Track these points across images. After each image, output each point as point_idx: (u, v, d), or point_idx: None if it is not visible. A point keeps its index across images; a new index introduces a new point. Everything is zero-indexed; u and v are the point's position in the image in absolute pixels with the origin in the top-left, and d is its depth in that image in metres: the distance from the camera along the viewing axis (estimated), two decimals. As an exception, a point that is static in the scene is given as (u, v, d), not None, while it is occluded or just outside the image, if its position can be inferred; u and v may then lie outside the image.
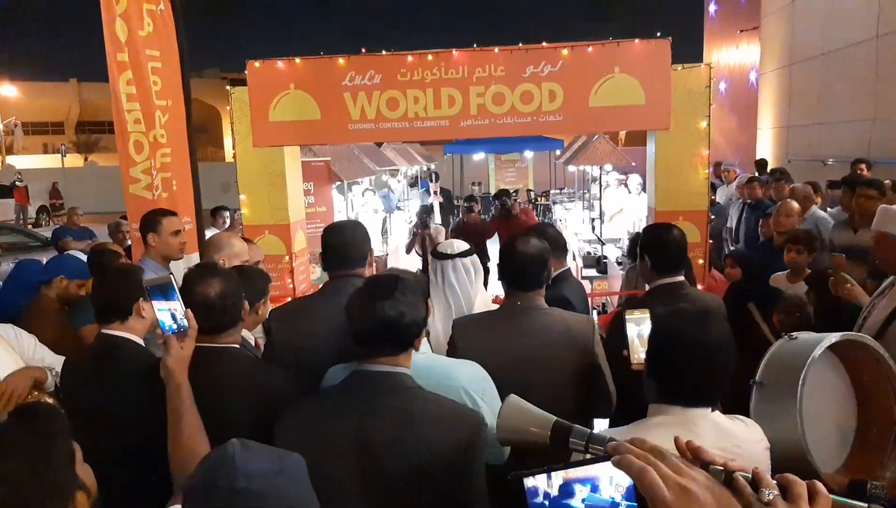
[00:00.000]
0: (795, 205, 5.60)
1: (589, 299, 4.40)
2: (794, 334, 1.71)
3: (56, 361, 2.93)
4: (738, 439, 1.67)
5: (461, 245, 3.04)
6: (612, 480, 1.04)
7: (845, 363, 1.71)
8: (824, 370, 1.67)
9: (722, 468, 0.98)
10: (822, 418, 1.63)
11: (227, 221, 8.48)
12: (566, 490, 1.06)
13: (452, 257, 3.00)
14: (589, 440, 1.30)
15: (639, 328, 2.30)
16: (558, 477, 1.04)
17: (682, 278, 2.96)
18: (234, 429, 1.99)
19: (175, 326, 1.94)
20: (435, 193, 14.36)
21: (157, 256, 3.79)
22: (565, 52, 4.69)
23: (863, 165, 7.85)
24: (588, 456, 1.23)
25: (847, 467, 1.61)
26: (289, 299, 4.72)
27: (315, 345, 2.54)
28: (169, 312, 1.95)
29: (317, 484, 1.72)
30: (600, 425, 2.74)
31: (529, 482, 1.05)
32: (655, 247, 2.93)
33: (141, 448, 2.10)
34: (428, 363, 2.19)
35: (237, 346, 2.25)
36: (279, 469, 1.18)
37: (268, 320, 2.80)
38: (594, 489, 1.05)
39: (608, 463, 1.01)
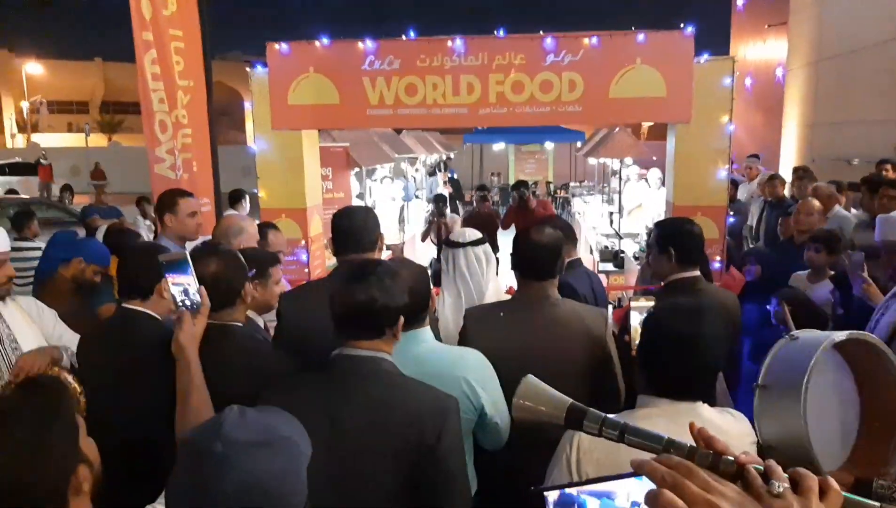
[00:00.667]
0: (817, 204, 5.51)
1: (606, 291, 4.36)
2: (794, 333, 1.70)
3: (73, 339, 2.97)
4: (725, 433, 1.62)
5: (473, 234, 3.04)
6: (628, 496, 1.05)
7: (847, 359, 1.69)
8: (827, 368, 1.66)
9: (733, 458, 0.98)
10: (826, 416, 1.62)
11: (248, 206, 8.54)
12: (580, 503, 1.07)
13: (464, 245, 2.99)
14: (603, 424, 1.33)
15: (643, 315, 2.35)
16: (573, 492, 1.06)
17: (698, 272, 2.95)
18: (228, 404, 2.04)
19: (188, 302, 1.98)
20: (445, 182, 14.34)
21: (174, 236, 3.81)
22: (586, 41, 4.65)
23: (888, 166, 7.70)
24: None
25: (851, 461, 1.60)
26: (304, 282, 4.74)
27: (323, 328, 2.56)
28: (183, 287, 1.98)
29: None
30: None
31: (551, 495, 1.07)
32: (679, 240, 2.90)
33: (153, 420, 2.13)
34: (429, 353, 2.20)
35: (239, 324, 2.28)
36: (262, 442, 1.17)
37: (279, 302, 2.82)
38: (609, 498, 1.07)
39: (626, 480, 1.02)
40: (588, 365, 2.45)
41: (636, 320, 2.39)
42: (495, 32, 4.82)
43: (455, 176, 16.92)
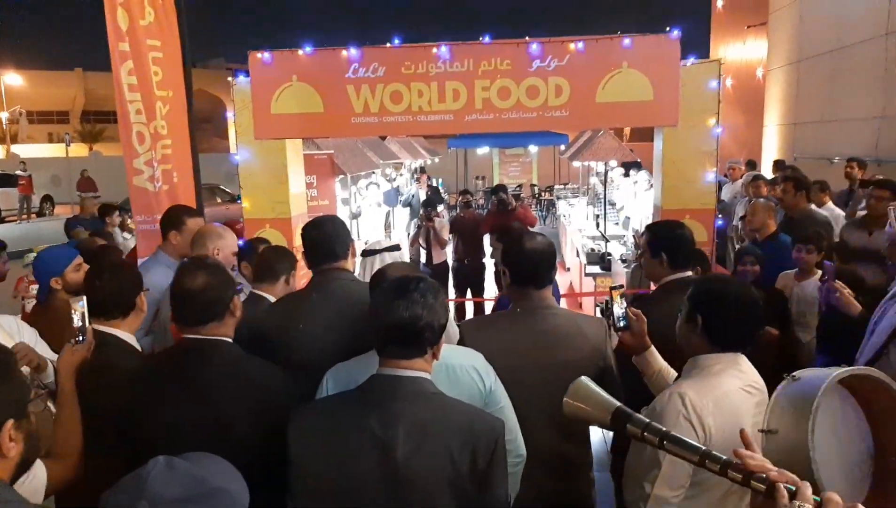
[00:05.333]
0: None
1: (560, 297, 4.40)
2: (795, 374, 1.68)
3: (54, 358, 2.91)
4: (757, 374, 2.07)
5: (388, 242, 3.18)
6: None
7: (854, 394, 1.65)
8: (833, 405, 1.62)
9: (765, 476, 1.09)
10: (840, 455, 1.58)
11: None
12: None
13: (379, 252, 3.08)
14: (645, 430, 1.48)
15: (620, 299, 2.54)
16: None
17: (690, 273, 2.99)
18: (225, 423, 2.05)
19: (80, 338, 2.36)
20: (417, 180, 14.28)
21: (175, 253, 3.72)
22: (572, 46, 4.61)
23: (854, 164, 7.79)
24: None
25: (869, 499, 1.55)
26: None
27: (307, 341, 2.55)
28: (82, 327, 2.38)
29: (340, 489, 1.74)
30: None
31: None
32: (670, 244, 2.95)
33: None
34: None
35: (226, 339, 2.24)
36: (192, 497, 1.12)
37: (264, 318, 2.79)
38: None
39: None
40: (588, 375, 2.41)
41: (618, 308, 2.53)
42: (481, 39, 4.76)
43: (434, 182, 16.86)
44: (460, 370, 2.10)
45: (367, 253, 3.12)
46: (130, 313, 2.60)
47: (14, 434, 1.46)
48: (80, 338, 2.37)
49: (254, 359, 2.26)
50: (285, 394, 2.17)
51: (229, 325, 2.26)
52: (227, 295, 2.22)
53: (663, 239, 2.98)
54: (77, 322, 2.38)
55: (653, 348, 2.48)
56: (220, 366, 2.14)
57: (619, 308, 2.52)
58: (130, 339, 2.59)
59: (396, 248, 3.13)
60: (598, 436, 4.37)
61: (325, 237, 2.71)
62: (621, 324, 2.50)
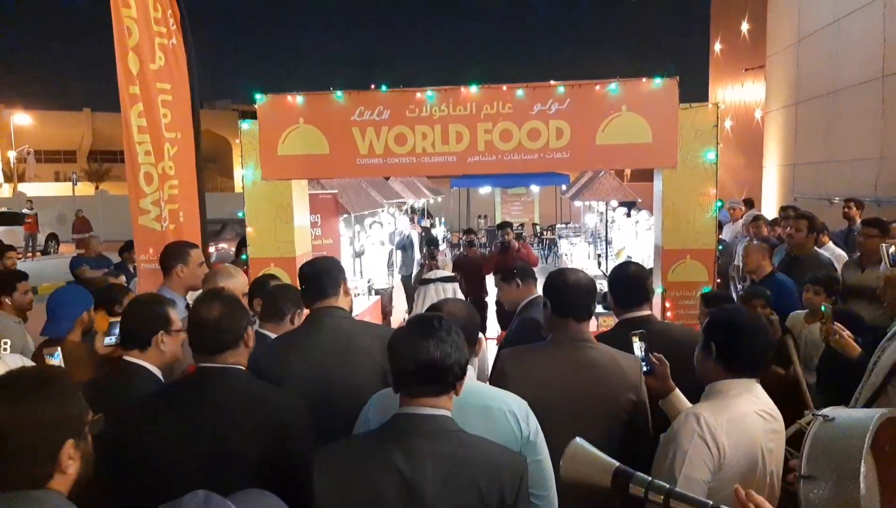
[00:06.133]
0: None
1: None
2: (827, 414, 1.66)
3: None
4: (771, 402, 2.14)
5: (443, 272, 3.15)
6: None
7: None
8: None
9: None
10: (869, 499, 1.57)
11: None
12: None
13: (434, 281, 3.08)
14: (649, 488, 1.43)
15: (641, 343, 2.61)
16: None
17: (648, 312, 3.05)
18: (235, 447, 2.08)
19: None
20: (411, 221, 14.36)
21: (181, 286, 3.75)
22: (573, 90, 4.72)
23: (851, 204, 7.87)
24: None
25: None
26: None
27: (298, 380, 2.58)
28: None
29: None
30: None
31: None
32: (615, 285, 3.09)
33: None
34: (472, 385, 2.13)
35: (240, 367, 2.28)
36: None
37: (263, 355, 2.82)
38: None
39: None
40: (625, 409, 2.47)
41: (637, 346, 2.62)
42: (483, 83, 4.87)
43: (425, 223, 17.00)
44: (497, 412, 2.07)
45: (423, 282, 3.17)
46: (147, 348, 2.60)
47: (73, 453, 1.52)
48: None
49: (264, 384, 2.31)
50: (296, 414, 2.21)
51: (243, 354, 2.32)
52: (241, 325, 2.28)
53: (610, 280, 3.14)
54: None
55: (677, 390, 2.52)
56: (231, 391, 2.19)
57: (640, 353, 2.57)
58: (153, 369, 2.60)
59: (453, 279, 3.16)
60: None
61: (315, 274, 2.78)
62: (644, 369, 2.54)
